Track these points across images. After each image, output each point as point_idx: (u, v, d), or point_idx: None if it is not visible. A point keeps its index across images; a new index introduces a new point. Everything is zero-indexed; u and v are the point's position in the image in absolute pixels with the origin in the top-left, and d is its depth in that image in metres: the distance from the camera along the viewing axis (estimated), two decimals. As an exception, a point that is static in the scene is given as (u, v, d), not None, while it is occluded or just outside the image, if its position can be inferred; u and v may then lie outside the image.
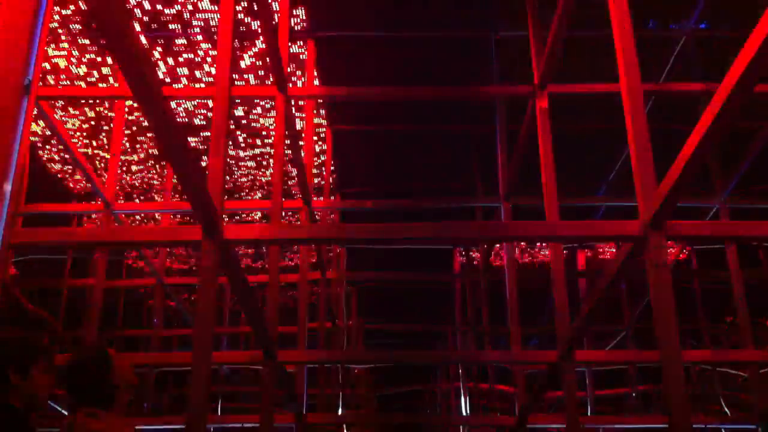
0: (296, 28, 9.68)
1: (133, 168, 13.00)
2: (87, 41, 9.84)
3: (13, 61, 2.67)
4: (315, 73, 9.84)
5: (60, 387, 3.53)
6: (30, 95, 2.67)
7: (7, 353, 3.10)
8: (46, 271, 14.45)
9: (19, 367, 3.07)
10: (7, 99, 2.63)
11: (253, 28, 9.48)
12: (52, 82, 10.41)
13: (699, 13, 9.50)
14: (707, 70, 9.82)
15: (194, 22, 9.49)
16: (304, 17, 9.58)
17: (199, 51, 9.97)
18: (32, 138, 11.71)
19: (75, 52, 10.02)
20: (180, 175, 3.98)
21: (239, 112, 11.26)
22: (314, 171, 11.86)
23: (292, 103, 8.50)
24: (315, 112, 10.58)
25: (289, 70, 8.66)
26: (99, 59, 10.17)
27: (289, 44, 9.31)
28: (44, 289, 14.07)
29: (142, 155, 12.60)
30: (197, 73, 10.36)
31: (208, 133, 9.70)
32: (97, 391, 3.46)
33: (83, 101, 11.11)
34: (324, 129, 11.86)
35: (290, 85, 8.12)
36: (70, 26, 9.56)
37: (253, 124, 11.65)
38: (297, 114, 10.49)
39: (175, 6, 9.19)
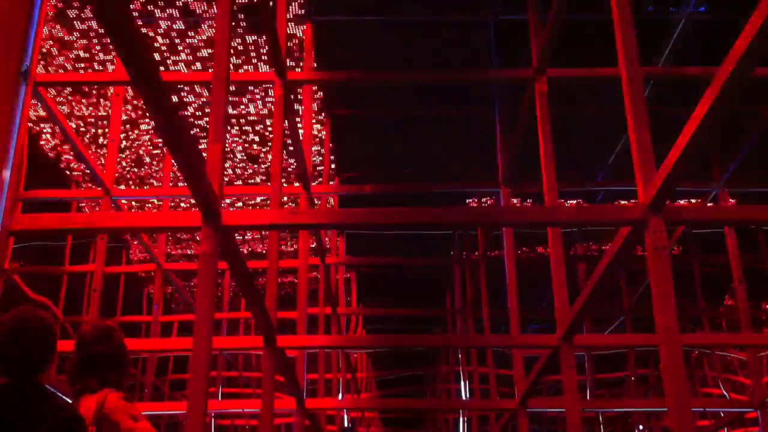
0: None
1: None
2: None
3: (11, 46, 2.66)
4: (313, 58, 9.81)
5: (77, 362, 3.44)
6: (28, 81, 2.66)
7: (51, 339, 3.04)
8: (45, 258, 14.46)
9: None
10: (4, 85, 2.62)
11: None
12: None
13: (697, -3, 9.49)
14: (706, 54, 9.80)
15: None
16: (301, 1, 9.54)
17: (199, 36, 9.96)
18: (30, 124, 11.69)
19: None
20: (179, 161, 3.98)
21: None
22: (313, 156, 11.84)
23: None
24: (314, 97, 10.56)
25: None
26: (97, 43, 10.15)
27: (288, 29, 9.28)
28: (44, 275, 14.08)
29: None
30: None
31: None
32: (114, 366, 3.41)
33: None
34: (322, 114, 11.83)
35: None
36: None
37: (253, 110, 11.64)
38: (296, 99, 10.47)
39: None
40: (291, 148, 10.89)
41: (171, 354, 14.66)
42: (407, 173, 12.84)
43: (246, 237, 15.82)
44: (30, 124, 11.61)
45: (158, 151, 12.95)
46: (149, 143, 12.70)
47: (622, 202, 11.46)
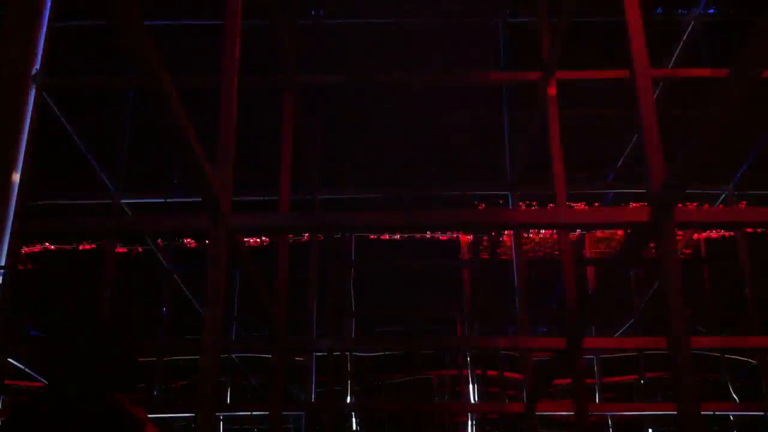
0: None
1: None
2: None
3: (21, 52, 2.66)
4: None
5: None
6: (37, 85, 2.66)
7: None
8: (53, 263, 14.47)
9: None
10: (14, 90, 2.62)
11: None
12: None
13: (707, -2, 9.45)
14: (716, 56, 9.75)
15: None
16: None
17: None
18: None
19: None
20: (186, 164, 3.97)
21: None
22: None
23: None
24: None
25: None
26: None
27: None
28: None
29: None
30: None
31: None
32: (125, 368, 3.37)
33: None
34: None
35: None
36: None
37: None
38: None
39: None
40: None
41: (180, 358, 14.68)
42: (414, 176, 12.81)
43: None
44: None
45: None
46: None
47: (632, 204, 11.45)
